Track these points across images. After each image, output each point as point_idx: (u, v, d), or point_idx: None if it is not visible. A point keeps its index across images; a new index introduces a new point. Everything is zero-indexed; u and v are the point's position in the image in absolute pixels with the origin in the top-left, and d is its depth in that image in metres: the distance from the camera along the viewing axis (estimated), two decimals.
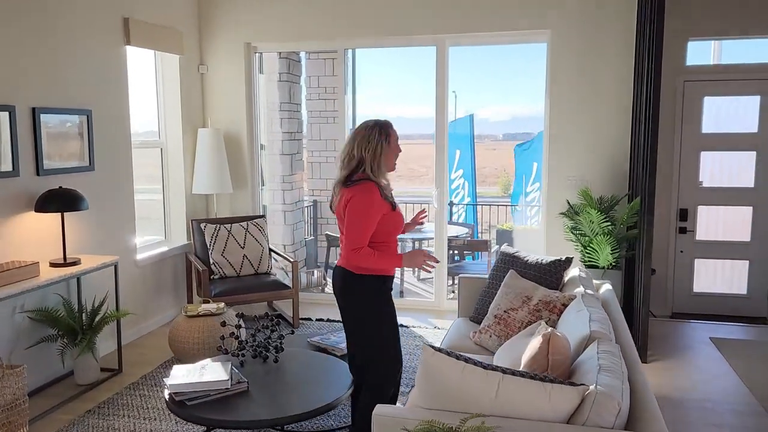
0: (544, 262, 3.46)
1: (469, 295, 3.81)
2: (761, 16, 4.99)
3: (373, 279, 2.76)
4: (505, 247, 3.76)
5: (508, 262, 3.60)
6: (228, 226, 5.19)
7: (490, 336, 3.24)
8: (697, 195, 5.41)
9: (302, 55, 7.89)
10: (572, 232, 4.78)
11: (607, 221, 4.22)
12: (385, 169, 2.77)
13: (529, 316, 3.12)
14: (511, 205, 9.66)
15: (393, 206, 2.78)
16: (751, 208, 5.38)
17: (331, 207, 2.86)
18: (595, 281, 3.52)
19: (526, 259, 3.55)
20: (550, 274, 3.40)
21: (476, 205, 10.37)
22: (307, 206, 8.48)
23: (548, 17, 4.96)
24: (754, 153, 5.30)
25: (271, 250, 5.36)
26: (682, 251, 5.50)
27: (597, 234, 4.25)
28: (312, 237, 8.24)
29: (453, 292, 6.04)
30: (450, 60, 5.38)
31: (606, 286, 3.45)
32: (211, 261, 5.07)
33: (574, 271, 3.46)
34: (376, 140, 2.73)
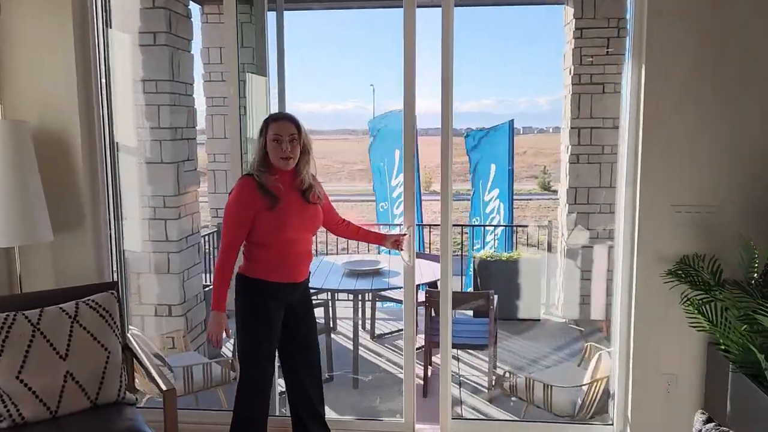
0: None
1: None
2: None
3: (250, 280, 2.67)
4: None
5: None
6: (33, 314, 2.56)
7: None
8: None
9: (195, 11, 5.20)
10: (702, 315, 2.55)
11: None
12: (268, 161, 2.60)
13: None
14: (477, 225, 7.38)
15: (273, 203, 2.52)
16: None
17: None
18: None
19: None
20: None
21: (423, 225, 7.97)
22: (207, 235, 5.82)
23: None
24: None
25: (133, 356, 2.78)
26: None
27: None
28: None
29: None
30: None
31: None
32: None
33: None
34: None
